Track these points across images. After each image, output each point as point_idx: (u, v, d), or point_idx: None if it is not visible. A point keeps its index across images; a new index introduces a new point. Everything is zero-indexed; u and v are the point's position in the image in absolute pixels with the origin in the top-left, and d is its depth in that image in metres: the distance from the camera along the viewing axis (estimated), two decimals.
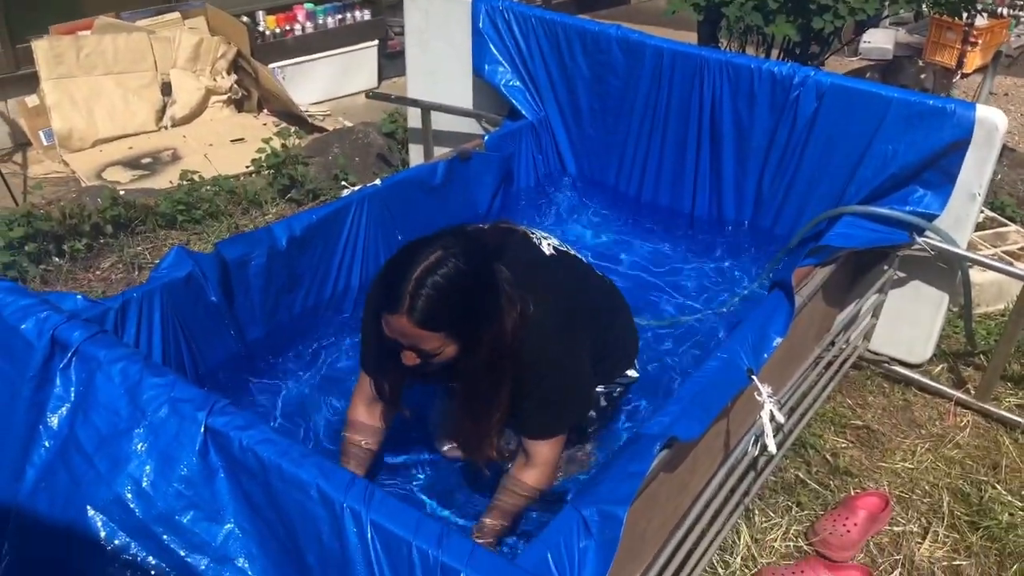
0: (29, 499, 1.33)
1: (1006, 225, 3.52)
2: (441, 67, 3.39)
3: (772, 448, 2.03)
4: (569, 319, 1.95)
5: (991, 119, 2.50)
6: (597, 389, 2.15)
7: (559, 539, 1.51)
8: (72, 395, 1.37)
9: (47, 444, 1.35)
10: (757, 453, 2.16)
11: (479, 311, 1.73)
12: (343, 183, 3.18)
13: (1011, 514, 2.41)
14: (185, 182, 3.69)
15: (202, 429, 1.26)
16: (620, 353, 2.20)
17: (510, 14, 3.12)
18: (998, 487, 2.50)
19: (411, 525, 1.13)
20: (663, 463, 1.82)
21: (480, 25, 3.17)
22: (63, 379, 1.37)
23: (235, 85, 4.99)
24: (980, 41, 5.82)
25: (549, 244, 2.08)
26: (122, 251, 3.32)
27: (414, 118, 3.56)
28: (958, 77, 5.35)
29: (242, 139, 4.61)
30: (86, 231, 3.34)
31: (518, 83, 3.21)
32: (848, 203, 2.72)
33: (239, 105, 5.05)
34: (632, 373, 2.24)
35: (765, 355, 2.13)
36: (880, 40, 6.28)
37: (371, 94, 3.50)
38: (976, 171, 2.56)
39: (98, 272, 3.27)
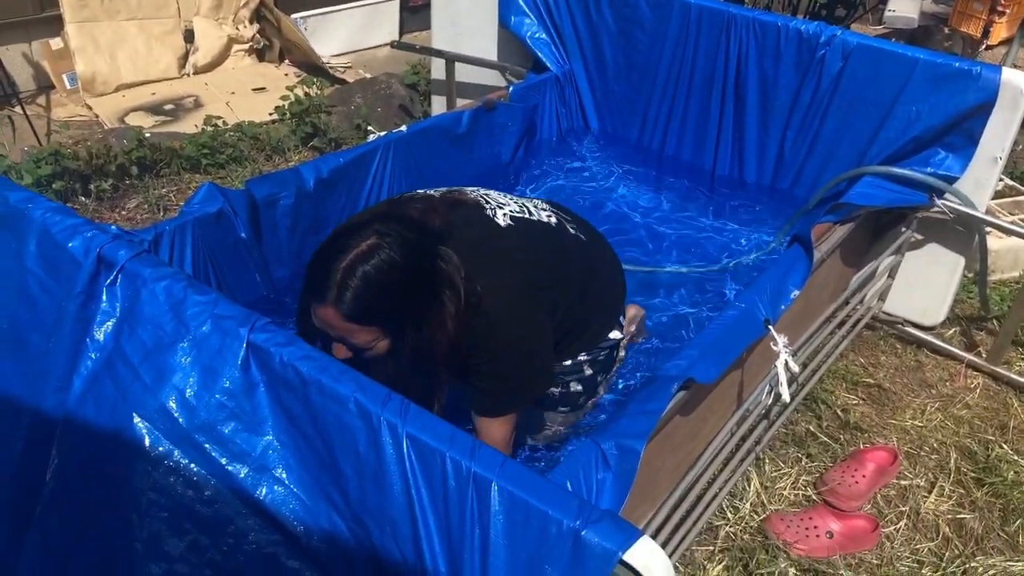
0: (77, 407, 1.38)
1: None
2: (466, 18, 3.40)
3: (786, 396, 2.08)
4: (525, 298, 1.84)
5: (1016, 82, 2.50)
6: (580, 357, 2.05)
7: (578, 469, 1.56)
8: (117, 311, 1.41)
9: (93, 356, 1.40)
10: (771, 402, 2.21)
11: (414, 305, 1.64)
12: (369, 129, 3.20)
13: (1016, 472, 2.45)
14: (209, 127, 3.72)
15: (244, 344, 1.31)
16: (598, 319, 2.09)
17: None
18: (1005, 447, 2.54)
19: (445, 437, 1.18)
20: (679, 405, 1.87)
21: None
22: (109, 295, 1.41)
23: (257, 35, 5.00)
24: (1008, 12, 5.76)
25: (505, 213, 1.92)
26: (147, 192, 3.36)
27: (438, 69, 3.57)
28: (983, 48, 5.31)
29: (263, 88, 4.63)
30: (112, 171, 3.38)
31: (544, 35, 3.22)
32: (869, 164, 2.74)
33: (261, 55, 5.06)
34: (615, 334, 2.12)
35: (783, 307, 2.17)
36: (905, 8, 6.21)
37: (396, 44, 3.51)
38: (999, 135, 2.57)
39: (124, 212, 3.31)
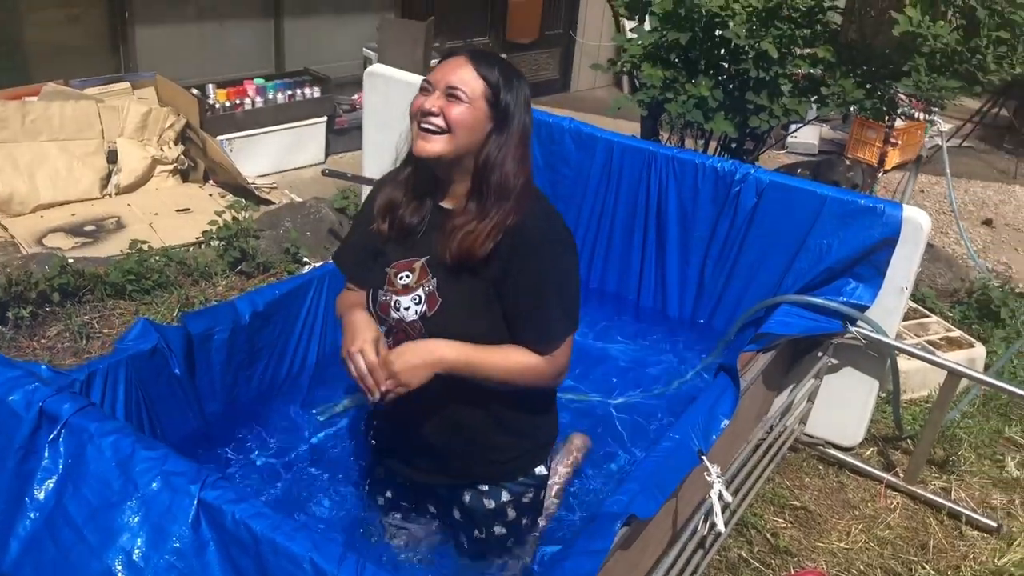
0: (14, 571, 1.33)
1: (928, 316, 3.74)
2: (398, 147, 3.48)
3: (721, 527, 2.12)
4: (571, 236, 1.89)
5: (917, 219, 2.70)
6: (502, 498, 1.97)
7: None
8: (60, 467, 1.38)
9: (33, 516, 1.35)
10: (706, 532, 2.24)
11: (516, 106, 1.76)
12: (304, 259, 3.22)
13: None
14: (134, 251, 3.69)
15: (195, 502, 1.29)
16: (548, 434, 2.03)
17: None
18: (927, 567, 2.63)
19: None
20: (620, 541, 1.89)
21: None
22: (51, 451, 1.38)
23: (182, 155, 5.02)
24: (899, 141, 6.21)
25: None
26: (69, 319, 3.29)
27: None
28: (881, 173, 5.69)
29: (188, 209, 4.62)
30: (32, 298, 3.30)
31: None
32: (785, 293, 2.88)
33: (185, 175, 5.07)
34: (541, 470, 2.02)
35: (714, 436, 2.24)
36: (806, 136, 6.65)
37: (327, 172, 3.58)
38: (904, 266, 2.75)
39: (43, 340, 3.23)
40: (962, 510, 2.86)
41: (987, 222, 5.91)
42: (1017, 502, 2.97)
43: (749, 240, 2.96)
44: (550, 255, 1.79)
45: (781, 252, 2.90)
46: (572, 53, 7.50)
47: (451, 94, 1.71)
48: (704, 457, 2.14)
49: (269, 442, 2.47)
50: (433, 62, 5.89)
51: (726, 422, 2.29)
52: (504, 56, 1.85)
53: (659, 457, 2.06)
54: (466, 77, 1.72)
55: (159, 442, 1.39)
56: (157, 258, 3.69)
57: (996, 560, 2.68)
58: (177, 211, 4.62)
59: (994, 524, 2.82)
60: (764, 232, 2.92)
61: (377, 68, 3.50)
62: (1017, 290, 4.18)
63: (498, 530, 2.01)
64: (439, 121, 1.71)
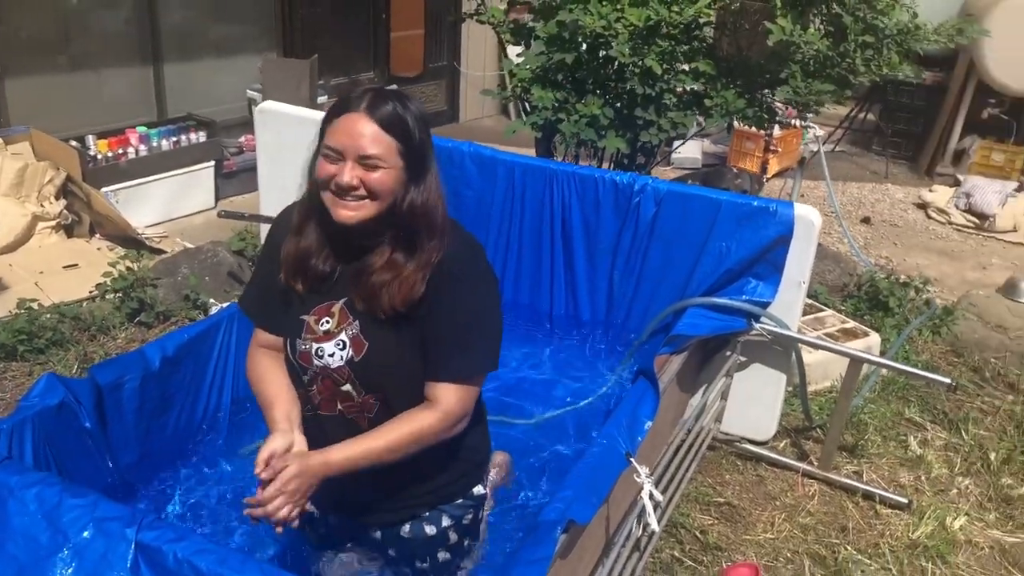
0: None
1: (823, 310, 3.90)
2: (294, 184, 3.41)
3: (655, 526, 2.15)
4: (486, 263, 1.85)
5: (808, 216, 2.82)
6: (443, 523, 1.94)
7: None
8: None
9: None
10: (640, 532, 2.27)
11: (427, 151, 1.71)
12: (211, 300, 3.14)
13: (863, 571, 2.62)
14: (23, 311, 3.52)
15: (132, 546, 1.24)
16: (481, 455, 2.00)
17: None
18: (849, 548, 2.72)
19: None
20: (558, 551, 1.89)
21: None
22: None
23: (65, 211, 4.83)
24: (779, 149, 6.49)
25: None
26: None
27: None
28: (767, 180, 5.92)
29: (75, 265, 4.45)
30: None
31: None
32: (691, 296, 2.97)
33: (69, 230, 4.88)
34: (479, 489, 2.00)
35: (639, 438, 2.28)
36: (690, 151, 6.87)
37: (223, 213, 3.51)
38: (799, 262, 2.87)
39: None
40: (874, 490, 2.98)
41: (865, 220, 6.21)
42: (923, 478, 3.11)
43: (652, 247, 3.04)
44: (474, 291, 1.77)
45: (684, 257, 2.99)
46: (458, 84, 7.58)
47: (365, 164, 1.64)
48: (632, 459, 2.18)
49: (191, 488, 2.39)
50: (321, 99, 5.87)
51: (649, 423, 2.33)
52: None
53: (589, 462, 2.08)
54: (376, 140, 1.63)
55: (86, 488, 1.33)
56: (48, 315, 3.54)
57: (910, 534, 2.80)
58: (64, 267, 4.44)
59: (905, 500, 2.94)
60: (666, 239, 3.01)
61: (268, 105, 3.47)
62: (902, 280, 4.40)
63: (442, 556, 1.98)
64: (360, 192, 1.65)
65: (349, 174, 1.63)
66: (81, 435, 2.11)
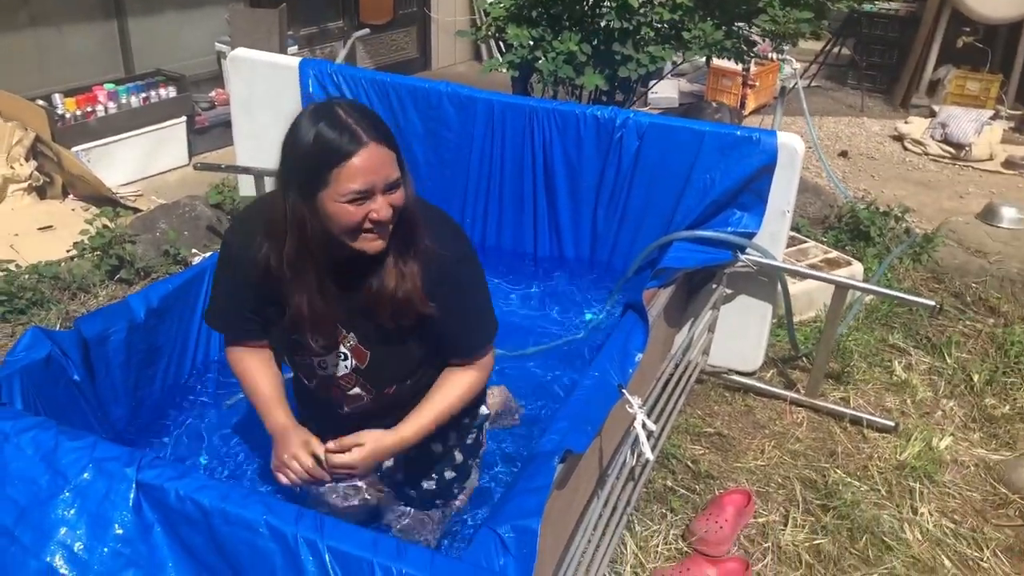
0: None
1: (805, 242, 3.92)
2: (270, 133, 3.33)
3: (648, 454, 2.17)
4: (460, 234, 1.88)
5: (791, 144, 2.81)
6: (449, 441, 2.04)
7: (479, 558, 1.56)
8: None
9: None
10: (635, 462, 2.29)
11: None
12: (193, 250, 3.10)
13: (853, 492, 2.66)
14: (1, 272, 3.47)
15: (133, 485, 1.23)
16: None
17: (339, 77, 3.19)
18: (838, 471, 2.76)
19: (368, 544, 1.16)
20: (556, 480, 1.91)
21: (310, 90, 3.22)
22: None
23: (36, 172, 4.74)
24: (757, 84, 6.45)
25: None
26: None
27: (246, 186, 3.53)
28: (746, 116, 5.89)
29: (50, 226, 4.38)
30: None
31: None
32: (676, 229, 2.96)
33: (42, 192, 4.79)
34: (484, 410, 2.14)
35: (630, 370, 2.28)
36: (666, 90, 6.82)
37: (199, 165, 3.45)
38: (783, 190, 2.86)
39: None
40: (861, 415, 3.01)
41: (843, 154, 6.21)
42: (908, 401, 3.15)
43: (636, 182, 3.02)
44: (464, 275, 1.80)
45: (668, 191, 2.97)
46: (429, 30, 7.46)
47: (389, 189, 1.61)
48: (624, 390, 2.19)
49: (182, 439, 2.38)
50: (291, 49, 5.76)
51: (640, 355, 2.34)
52: (336, 99, 1.68)
53: (583, 394, 2.09)
54: (392, 161, 1.60)
55: (83, 431, 1.32)
56: (27, 276, 3.49)
57: (898, 456, 2.84)
58: (39, 229, 4.36)
59: (891, 423, 2.98)
60: (649, 173, 2.99)
61: (239, 52, 3.39)
62: (882, 210, 4.41)
63: (448, 475, 2.07)
64: (385, 226, 1.63)
65: (385, 208, 1.59)
66: (70, 388, 2.09)
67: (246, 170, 3.44)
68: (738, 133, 2.85)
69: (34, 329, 2.04)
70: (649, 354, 2.65)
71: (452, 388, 1.86)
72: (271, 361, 1.93)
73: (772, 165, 2.82)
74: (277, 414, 1.86)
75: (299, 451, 1.76)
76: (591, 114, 2.98)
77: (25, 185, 4.69)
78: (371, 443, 1.77)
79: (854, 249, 4.17)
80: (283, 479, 1.79)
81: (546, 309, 3.10)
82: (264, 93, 3.36)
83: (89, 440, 1.29)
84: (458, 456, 2.10)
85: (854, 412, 3.04)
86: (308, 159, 1.57)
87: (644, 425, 2.16)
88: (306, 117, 1.61)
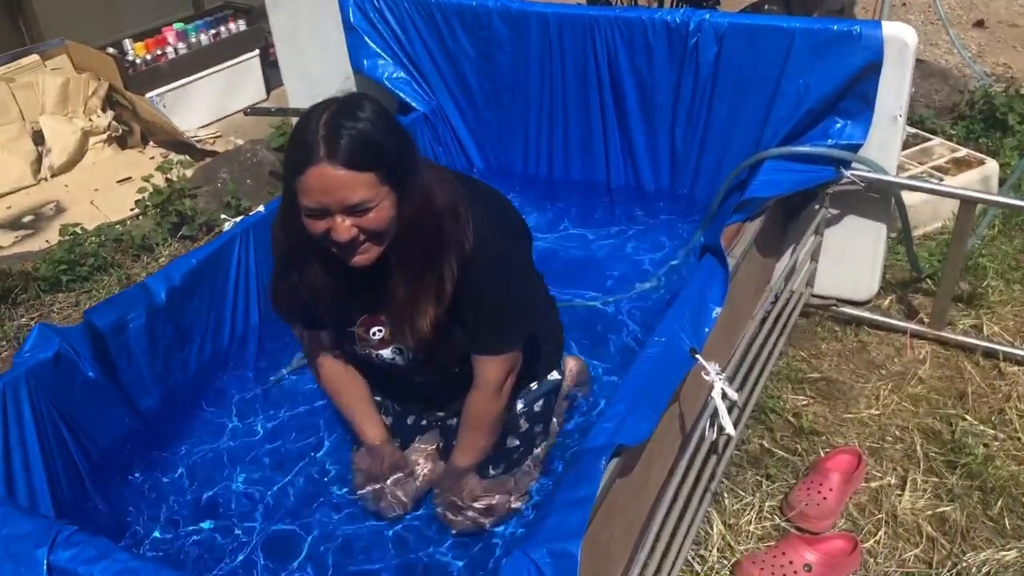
0: None
1: (930, 139, 3.41)
2: (317, 69, 3.15)
3: (730, 430, 1.86)
4: (506, 223, 1.81)
5: (900, 36, 2.35)
6: (517, 407, 1.96)
7: None
8: None
9: None
10: (715, 436, 1.99)
11: (407, 156, 1.55)
12: (222, 216, 2.92)
13: (986, 445, 2.28)
14: (66, 237, 3.39)
15: (44, 569, 1.04)
16: (548, 344, 2.01)
17: (381, 2, 2.89)
18: (968, 418, 2.38)
19: None
20: (616, 471, 1.64)
21: (351, 19, 2.93)
22: None
23: (113, 122, 4.66)
24: None
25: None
26: (2, 326, 3.02)
27: None
28: None
29: (129, 178, 4.30)
30: None
31: (402, 74, 2.98)
32: (766, 147, 2.56)
33: (122, 142, 4.72)
34: (555, 375, 2.04)
35: (706, 329, 1.96)
36: None
37: (249, 110, 3.25)
38: (893, 92, 2.42)
39: None
40: (998, 347, 2.59)
41: (979, 23, 5.49)
42: None
43: (718, 95, 2.62)
44: (500, 273, 1.72)
45: (755, 102, 2.57)
46: None
47: (354, 211, 1.50)
48: (699, 356, 1.88)
49: (224, 427, 2.22)
50: None
51: (718, 310, 2.01)
52: (354, 99, 1.55)
53: (646, 368, 1.79)
54: (354, 185, 1.47)
55: None
56: (91, 239, 3.40)
57: None
58: (119, 182, 4.30)
59: None
60: (732, 84, 2.58)
61: None
62: (1023, 91, 3.81)
63: (511, 442, 1.98)
64: (361, 238, 1.54)
65: (344, 231, 1.51)
66: (87, 386, 1.93)
67: (296, 112, 3.20)
68: (835, 28, 2.40)
69: (40, 326, 1.89)
70: (738, 298, 2.32)
71: (469, 422, 1.88)
72: (354, 369, 1.95)
73: (878, 63, 2.37)
74: (368, 428, 1.98)
75: (396, 490, 1.94)
76: (660, 19, 2.58)
77: (105, 136, 4.63)
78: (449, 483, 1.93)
79: (989, 142, 3.62)
80: (366, 492, 1.95)
81: (622, 250, 2.77)
82: (308, 25, 3.11)
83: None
84: (523, 424, 1.99)
85: (988, 343, 2.61)
86: (285, 157, 1.55)
87: (725, 395, 1.85)
88: (307, 110, 1.53)
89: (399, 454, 2.00)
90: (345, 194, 1.47)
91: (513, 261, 1.78)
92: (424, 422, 2.05)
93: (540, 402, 2.00)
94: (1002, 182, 3.28)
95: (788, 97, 2.51)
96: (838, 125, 2.49)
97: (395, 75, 2.97)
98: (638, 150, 2.81)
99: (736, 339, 2.39)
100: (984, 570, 1.97)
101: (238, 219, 2.39)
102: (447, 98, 2.99)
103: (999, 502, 2.12)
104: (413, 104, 2.98)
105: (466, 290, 1.68)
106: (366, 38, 2.95)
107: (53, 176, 4.40)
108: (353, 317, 1.80)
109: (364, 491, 1.97)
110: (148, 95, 4.73)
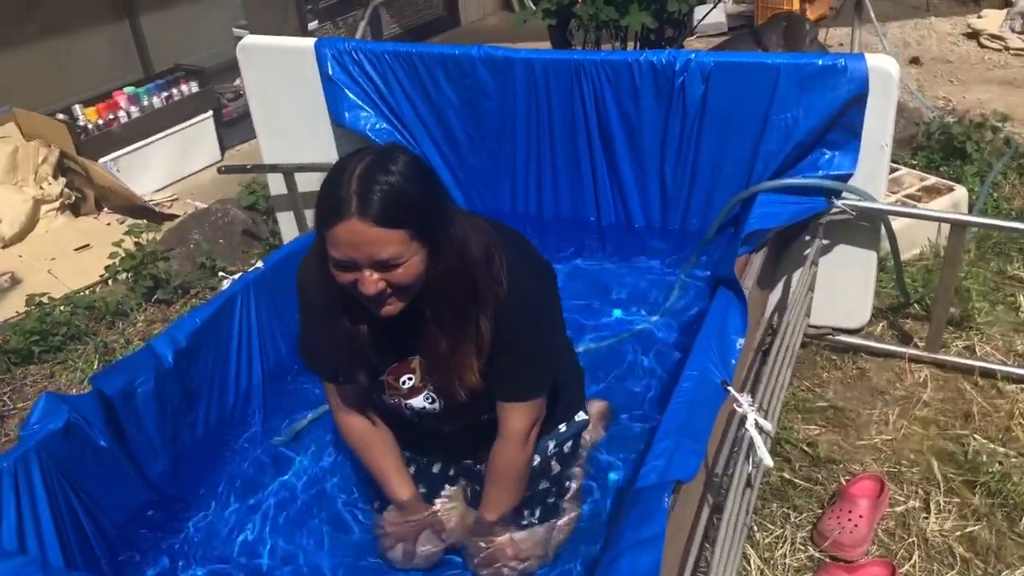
0: None
1: (896, 169, 3.50)
2: (294, 124, 3.10)
3: (767, 460, 1.84)
4: (536, 268, 1.79)
5: (884, 67, 2.42)
6: (549, 451, 1.93)
7: None
8: None
9: None
10: (751, 468, 1.97)
11: (441, 210, 1.53)
12: (220, 273, 2.84)
13: (1000, 463, 2.31)
14: (33, 307, 3.26)
15: None
16: (571, 388, 1.98)
17: (360, 54, 2.86)
18: (977, 437, 2.40)
19: None
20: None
21: (330, 72, 2.90)
22: None
23: (66, 189, 4.53)
24: None
25: None
26: None
27: (276, 185, 3.25)
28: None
29: (87, 245, 4.18)
30: None
31: (385, 125, 2.94)
32: (757, 181, 2.59)
33: (75, 209, 4.58)
34: (582, 416, 2.02)
35: (733, 361, 1.95)
36: (712, 16, 6.32)
37: (223, 168, 3.17)
38: (879, 122, 2.48)
39: None
40: (994, 366, 2.64)
41: (914, 60, 5.70)
42: None
43: (706, 133, 2.65)
44: (533, 327, 1.71)
45: (744, 138, 2.60)
46: None
47: (383, 266, 1.49)
48: (730, 387, 1.86)
49: (236, 483, 2.12)
50: (312, 25, 5.45)
51: (741, 341, 2.01)
52: (388, 151, 1.53)
53: (684, 401, 1.77)
54: (384, 243, 1.46)
55: (80, 572, 1.04)
56: (61, 308, 3.27)
57: None
58: (76, 250, 4.17)
59: None
60: (720, 121, 2.61)
61: (248, 41, 3.08)
62: (975, 121, 3.95)
63: (543, 485, 1.95)
64: (388, 292, 1.53)
65: (372, 285, 1.50)
66: (99, 456, 1.84)
67: (273, 168, 3.15)
68: (820, 62, 2.46)
69: (47, 395, 1.80)
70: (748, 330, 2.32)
71: (497, 472, 1.84)
72: (381, 423, 1.90)
73: (864, 94, 2.43)
74: (397, 486, 1.92)
75: (427, 548, 1.91)
76: (646, 61, 2.61)
77: (57, 204, 4.49)
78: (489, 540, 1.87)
79: (949, 169, 3.73)
80: (396, 554, 1.91)
81: (618, 287, 2.77)
82: (282, 82, 3.06)
83: None
84: (555, 466, 1.97)
85: (984, 363, 2.66)
86: (316, 206, 1.52)
87: (759, 426, 1.84)
88: (341, 161, 1.53)
89: (429, 511, 1.94)
90: (375, 249, 1.47)
91: (545, 306, 1.77)
92: (451, 472, 1.99)
93: (569, 443, 1.98)
94: (971, 207, 3.38)
95: (777, 131, 2.55)
96: (827, 156, 2.54)
97: (377, 126, 2.94)
98: (628, 189, 2.81)
99: (744, 372, 2.39)
100: None
101: (236, 276, 2.32)
102: (431, 146, 2.97)
103: (1023, 518, 2.14)
104: None
105: (499, 336, 1.65)
106: (346, 90, 2.92)
107: (5, 247, 4.25)
108: (383, 366, 1.75)
109: (395, 553, 1.90)
110: (101, 160, 4.62)
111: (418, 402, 1.78)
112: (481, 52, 2.75)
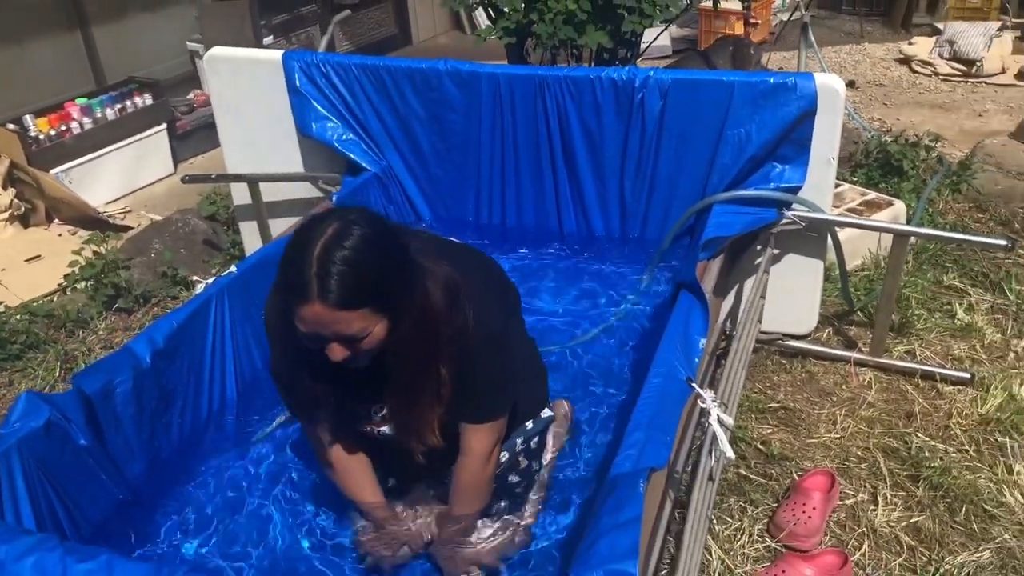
0: None
1: (840, 184, 3.66)
2: (260, 134, 3.15)
3: (730, 453, 1.94)
4: (501, 295, 1.85)
5: (831, 85, 2.56)
6: (517, 447, 1.99)
7: None
8: None
9: None
10: (714, 462, 2.06)
11: (399, 278, 1.57)
12: (194, 279, 2.86)
13: (941, 458, 2.45)
14: None
15: None
16: (536, 385, 2.06)
17: (328, 67, 2.93)
18: (919, 435, 2.55)
19: None
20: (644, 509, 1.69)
21: (298, 83, 2.96)
22: None
23: (15, 200, 4.48)
24: (759, 21, 6.16)
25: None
26: None
27: (240, 195, 3.28)
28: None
29: (38, 256, 4.14)
30: None
31: (351, 136, 3.01)
32: (713, 193, 2.72)
33: (24, 220, 4.53)
34: (547, 412, 2.09)
35: (696, 360, 2.06)
36: (659, 39, 6.51)
37: (187, 178, 3.19)
38: (827, 137, 2.62)
39: None
40: (932, 369, 2.79)
41: (850, 84, 5.93)
42: (978, 347, 2.93)
43: (664, 146, 2.77)
44: (489, 353, 1.74)
45: (700, 151, 2.73)
46: (406, 4, 7.13)
47: (348, 340, 1.55)
48: (694, 384, 1.96)
49: (209, 484, 2.15)
50: (267, 40, 5.48)
51: (703, 341, 2.11)
52: (346, 222, 1.52)
53: (653, 396, 1.86)
54: (347, 322, 1.51)
55: (95, 547, 1.09)
56: (18, 317, 3.25)
57: (979, 409, 2.63)
58: (26, 261, 4.12)
59: (966, 375, 2.76)
60: (677, 135, 2.74)
61: (216, 52, 3.12)
62: (910, 140, 4.16)
63: (512, 479, 2.00)
64: (353, 356, 1.58)
65: (339, 354, 1.56)
66: (78, 455, 1.86)
67: (238, 177, 3.18)
68: (771, 80, 2.60)
69: (28, 394, 1.82)
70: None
71: (461, 487, 1.88)
72: (353, 444, 1.92)
73: (812, 111, 2.57)
74: (372, 504, 1.96)
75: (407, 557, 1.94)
76: (607, 77, 2.72)
77: (6, 215, 4.44)
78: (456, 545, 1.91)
79: (888, 186, 3.92)
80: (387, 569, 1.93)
81: (579, 292, 2.85)
82: (248, 92, 3.11)
83: (103, 559, 1.07)
84: (522, 461, 2.02)
85: (924, 366, 2.81)
86: (279, 274, 1.56)
87: (721, 421, 1.94)
88: (301, 227, 1.56)
89: (409, 527, 1.97)
90: (339, 328, 1.52)
91: (507, 337, 1.81)
92: (422, 484, 2.04)
93: (536, 439, 2.04)
94: (909, 220, 3.55)
95: (731, 145, 2.68)
96: (778, 169, 2.68)
97: (344, 136, 3.01)
98: (589, 199, 2.92)
99: (701, 374, 2.49)
100: (964, 571, 2.10)
101: (210, 280, 2.36)
102: (397, 158, 3.04)
103: (963, 509, 2.28)
104: (363, 164, 3.01)
105: (462, 364, 1.71)
106: (313, 102, 2.98)
107: None
108: (351, 397, 1.80)
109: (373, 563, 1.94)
110: (53, 171, 4.58)
111: (388, 429, 1.84)
112: (448, 66, 2.84)
